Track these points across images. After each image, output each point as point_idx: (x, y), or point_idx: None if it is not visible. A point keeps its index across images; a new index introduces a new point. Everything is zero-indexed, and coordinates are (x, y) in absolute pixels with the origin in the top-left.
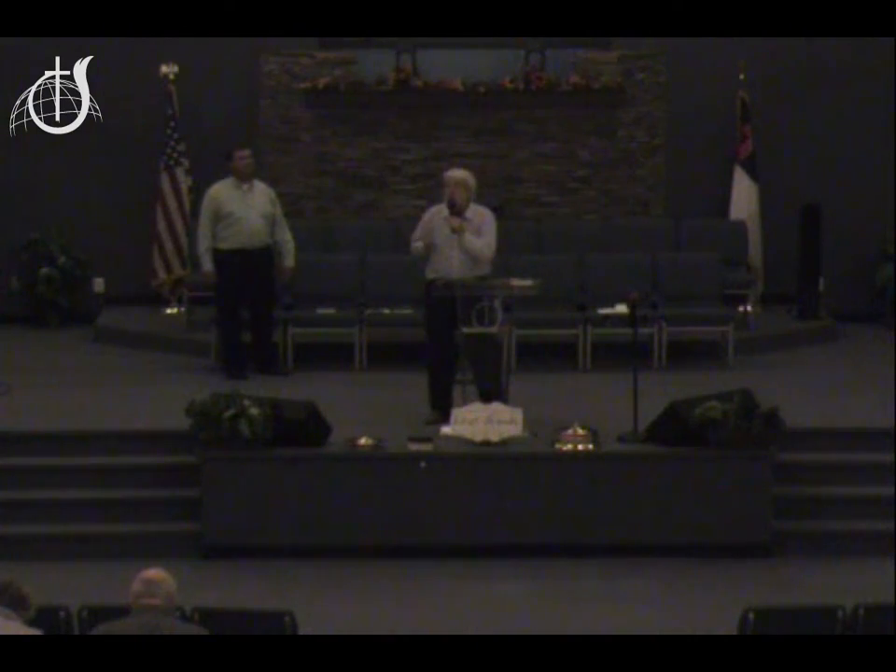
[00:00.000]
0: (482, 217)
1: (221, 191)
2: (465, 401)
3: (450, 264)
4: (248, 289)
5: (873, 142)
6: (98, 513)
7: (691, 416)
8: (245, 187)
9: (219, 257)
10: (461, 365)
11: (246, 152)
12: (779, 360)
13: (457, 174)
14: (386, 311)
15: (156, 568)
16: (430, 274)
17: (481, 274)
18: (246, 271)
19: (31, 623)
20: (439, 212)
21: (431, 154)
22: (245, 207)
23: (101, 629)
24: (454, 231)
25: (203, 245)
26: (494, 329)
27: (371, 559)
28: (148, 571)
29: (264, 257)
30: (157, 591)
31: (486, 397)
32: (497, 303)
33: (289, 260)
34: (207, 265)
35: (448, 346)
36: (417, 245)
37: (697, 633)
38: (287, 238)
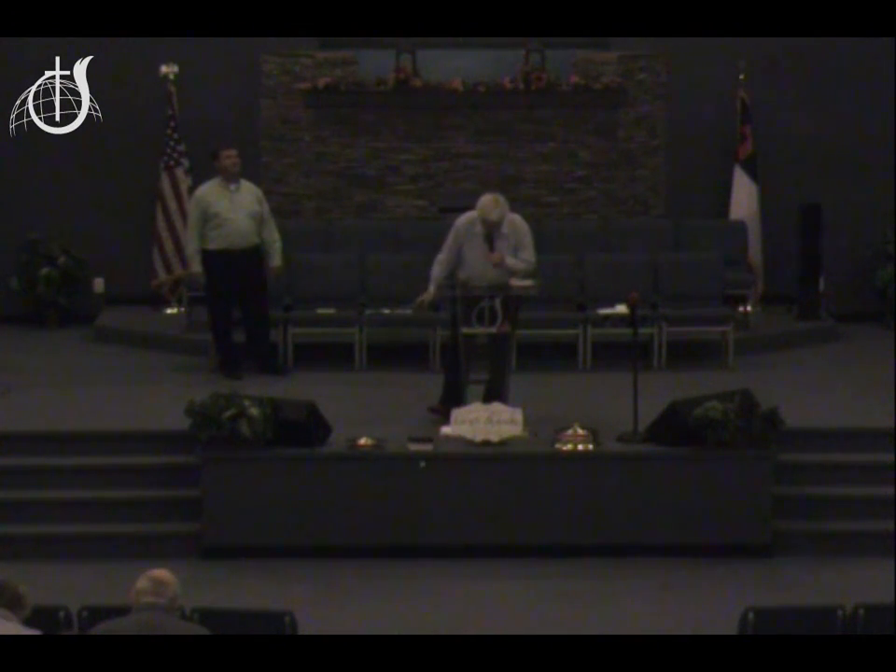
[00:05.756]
0: (516, 229)
1: (208, 192)
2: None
3: (484, 274)
4: (239, 289)
5: (873, 142)
6: (98, 513)
7: (691, 416)
8: (233, 187)
9: (208, 257)
10: (475, 365)
11: (233, 151)
12: (779, 360)
13: (494, 214)
14: (386, 311)
15: (162, 569)
16: (463, 275)
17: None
18: (236, 271)
19: (27, 623)
20: (471, 223)
21: (431, 154)
22: (233, 208)
23: (101, 628)
24: (495, 266)
25: (192, 246)
26: (493, 330)
27: (371, 559)
28: (155, 571)
29: (253, 256)
30: (163, 591)
31: (491, 397)
32: (497, 303)
33: (276, 260)
34: (196, 267)
35: (467, 346)
36: (430, 291)
37: (697, 633)
38: (274, 237)
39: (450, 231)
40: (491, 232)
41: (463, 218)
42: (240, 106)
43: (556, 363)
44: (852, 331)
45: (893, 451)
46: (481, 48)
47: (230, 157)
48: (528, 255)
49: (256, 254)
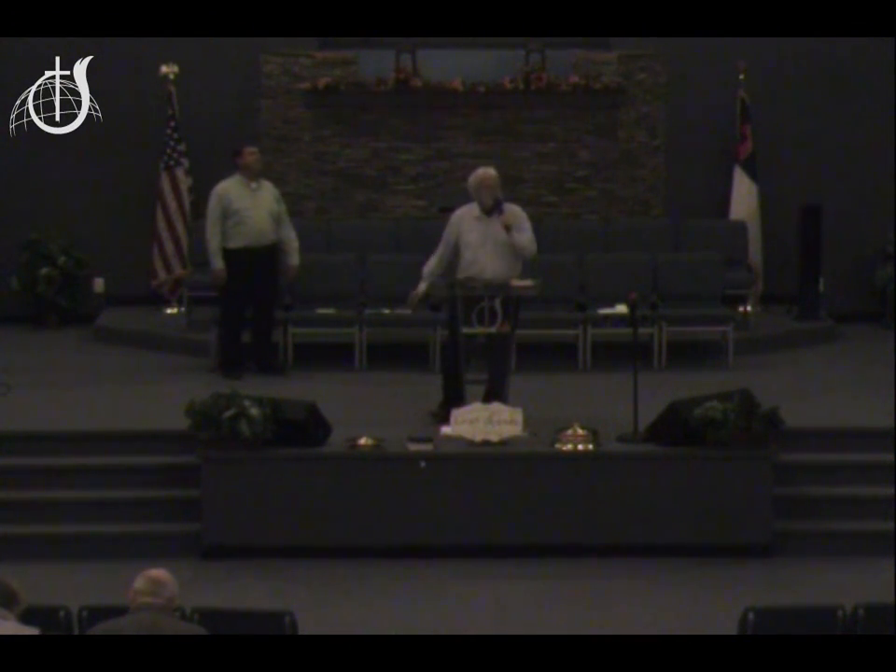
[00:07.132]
0: (514, 212)
1: (230, 189)
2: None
3: (482, 266)
4: (254, 288)
5: (873, 142)
6: (98, 513)
7: (691, 416)
8: (254, 185)
9: (227, 255)
10: (475, 365)
11: (255, 149)
12: (779, 360)
13: (491, 172)
14: (386, 311)
15: (160, 569)
16: (461, 274)
17: (515, 274)
18: (254, 269)
19: (22, 619)
20: (468, 213)
21: (431, 154)
22: (254, 205)
23: (99, 628)
24: (506, 228)
25: (214, 243)
26: (493, 330)
27: (371, 559)
28: (153, 571)
29: (272, 255)
30: (161, 591)
31: (491, 397)
32: (497, 303)
33: (294, 259)
34: (219, 264)
35: (467, 346)
36: (420, 287)
37: (697, 633)
38: (291, 237)
39: (445, 228)
40: (494, 201)
41: (458, 211)
42: (240, 106)
43: (556, 363)
44: (852, 331)
45: (893, 451)
46: (481, 48)
47: (252, 154)
48: (531, 235)
49: (273, 253)
